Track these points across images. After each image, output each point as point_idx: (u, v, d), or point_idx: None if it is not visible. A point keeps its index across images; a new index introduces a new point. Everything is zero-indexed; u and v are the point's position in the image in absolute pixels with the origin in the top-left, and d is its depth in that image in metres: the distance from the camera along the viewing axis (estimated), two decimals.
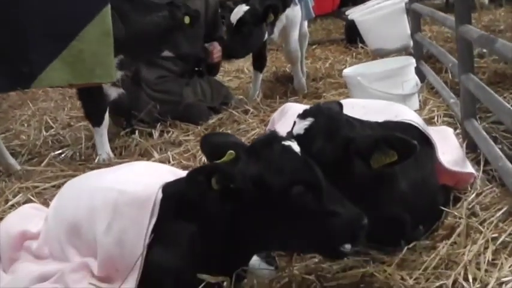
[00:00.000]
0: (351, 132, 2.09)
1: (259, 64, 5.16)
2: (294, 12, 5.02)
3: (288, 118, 2.86)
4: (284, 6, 4.88)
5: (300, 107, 2.99)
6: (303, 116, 2.10)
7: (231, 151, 1.85)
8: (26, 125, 5.35)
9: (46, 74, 3.63)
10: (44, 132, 4.79)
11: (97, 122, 3.90)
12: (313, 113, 2.08)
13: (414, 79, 4.15)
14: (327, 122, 2.06)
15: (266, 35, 4.73)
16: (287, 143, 1.85)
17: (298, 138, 1.97)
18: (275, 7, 4.58)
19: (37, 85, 3.78)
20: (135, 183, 2.19)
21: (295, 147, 1.85)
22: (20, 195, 3.38)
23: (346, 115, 2.20)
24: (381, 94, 3.92)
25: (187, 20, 4.02)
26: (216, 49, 4.73)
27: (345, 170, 2.07)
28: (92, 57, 3.67)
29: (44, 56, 3.60)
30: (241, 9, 4.52)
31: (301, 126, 2.06)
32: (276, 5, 4.61)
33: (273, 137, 1.89)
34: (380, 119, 2.53)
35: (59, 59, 3.62)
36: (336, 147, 2.03)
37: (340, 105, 2.27)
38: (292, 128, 2.10)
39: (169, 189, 2.07)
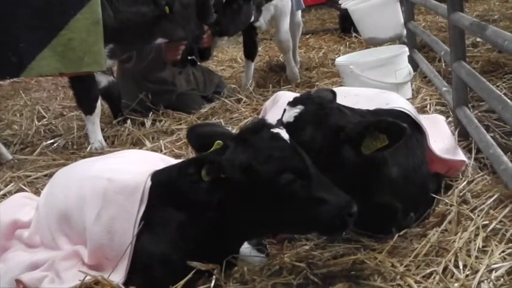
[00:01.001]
0: (341, 120, 2.08)
1: (250, 53, 5.16)
2: (283, 2, 5.02)
3: (280, 106, 2.84)
4: None
5: (292, 95, 2.99)
6: (293, 103, 2.09)
7: (219, 141, 1.85)
8: (18, 115, 5.33)
9: (36, 63, 3.60)
10: (36, 122, 4.77)
11: (89, 110, 3.90)
12: (303, 101, 2.08)
13: (407, 68, 4.14)
14: (317, 109, 2.05)
15: (253, 17, 4.72)
16: (276, 130, 1.84)
17: (288, 126, 1.97)
18: None
19: (27, 75, 3.77)
20: (124, 172, 2.19)
21: (284, 134, 1.85)
22: (12, 184, 3.36)
23: (336, 103, 2.19)
24: (374, 83, 3.91)
25: (167, 10, 4.00)
26: (206, 33, 4.67)
27: (335, 158, 2.07)
28: (82, 46, 3.65)
29: (34, 46, 3.58)
30: None
31: (291, 114, 2.05)
32: None
33: (261, 125, 1.88)
34: (371, 107, 2.52)
35: (49, 48, 3.60)
36: (325, 134, 2.03)
37: (334, 93, 2.26)
38: (282, 116, 2.09)
39: (158, 177, 2.07)
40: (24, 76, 3.84)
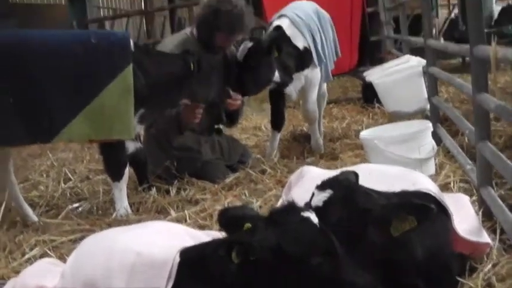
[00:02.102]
0: (369, 203, 2.12)
1: (277, 123, 5.21)
2: (313, 73, 5.12)
3: (305, 182, 2.90)
4: (303, 67, 4.98)
5: (317, 172, 3.04)
6: (321, 187, 2.13)
7: (248, 224, 1.88)
8: (44, 175, 5.42)
9: (67, 129, 3.70)
10: (63, 184, 4.85)
11: (117, 176, 3.94)
12: (331, 185, 2.12)
13: (431, 143, 4.18)
14: (345, 193, 2.09)
15: (277, 75, 4.78)
16: (306, 214, 1.88)
17: (317, 210, 2.00)
18: (278, 44, 4.70)
19: (57, 140, 3.85)
20: (153, 245, 2.21)
21: (314, 218, 1.88)
22: (37, 248, 3.40)
23: (363, 186, 2.23)
24: (398, 158, 3.95)
25: (193, 66, 4.09)
26: (235, 96, 4.72)
27: (363, 240, 2.09)
28: (112, 114, 3.75)
29: (66, 112, 3.68)
30: (246, 46, 4.63)
31: (319, 198, 2.09)
32: (279, 43, 4.73)
33: (292, 207, 1.91)
34: (397, 186, 2.54)
35: (80, 114, 3.70)
36: (354, 218, 2.06)
37: (356, 176, 2.30)
38: (311, 199, 2.13)
39: (188, 255, 2.09)
40: (54, 141, 3.91)
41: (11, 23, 10.43)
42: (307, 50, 5.02)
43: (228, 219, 2.04)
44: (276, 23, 5.05)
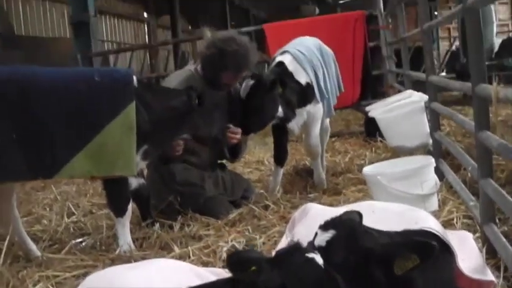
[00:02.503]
0: (372, 243, 2.13)
1: (280, 158, 5.22)
2: (316, 108, 5.15)
3: (309, 219, 2.91)
4: (305, 103, 5.02)
5: (321, 209, 3.05)
6: (324, 227, 2.14)
7: (254, 267, 1.89)
8: (48, 209, 5.44)
9: (69, 165, 3.70)
10: (66, 219, 4.85)
11: (120, 212, 3.93)
12: (334, 225, 2.13)
13: (433, 179, 4.19)
14: (348, 233, 2.11)
15: (280, 110, 4.81)
16: (310, 255, 1.89)
17: (320, 250, 2.02)
18: (282, 80, 4.72)
19: (59, 176, 3.85)
20: (157, 284, 2.21)
21: (319, 259, 1.89)
22: (40, 284, 3.38)
23: (366, 226, 2.24)
24: (400, 194, 3.97)
25: (196, 100, 4.12)
26: (234, 130, 4.69)
27: (367, 279, 2.10)
28: (114, 151, 3.76)
29: (68, 149, 3.69)
30: (248, 84, 4.65)
31: (323, 238, 2.10)
32: (283, 78, 4.75)
33: (296, 248, 1.92)
34: (401, 224, 2.55)
35: (83, 151, 3.71)
36: (357, 258, 2.07)
37: (360, 215, 2.31)
38: (314, 239, 2.14)
39: None
40: (56, 177, 3.91)
41: (17, 56, 10.55)
42: (309, 86, 5.06)
43: (235, 262, 2.04)
44: (278, 58, 5.11)
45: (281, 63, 5.04)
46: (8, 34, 12.47)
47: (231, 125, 4.58)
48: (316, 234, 2.15)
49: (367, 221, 2.38)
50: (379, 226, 2.40)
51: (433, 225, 2.68)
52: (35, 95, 3.66)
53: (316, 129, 5.21)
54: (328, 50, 5.63)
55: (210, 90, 4.48)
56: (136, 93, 3.85)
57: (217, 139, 4.52)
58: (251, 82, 4.64)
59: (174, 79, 4.79)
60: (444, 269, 2.55)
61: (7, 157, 3.55)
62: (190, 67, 4.99)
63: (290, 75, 4.97)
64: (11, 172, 3.60)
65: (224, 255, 3.53)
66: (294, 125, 5.05)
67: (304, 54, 5.12)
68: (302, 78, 5.02)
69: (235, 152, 4.92)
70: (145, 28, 21.76)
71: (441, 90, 6.81)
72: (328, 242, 2.09)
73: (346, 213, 2.29)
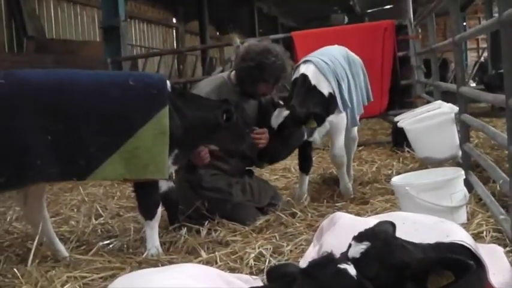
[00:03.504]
0: (406, 257, 2.11)
1: (304, 167, 5.23)
2: (338, 118, 5.10)
3: (337, 229, 2.90)
4: (327, 113, 4.98)
5: (350, 219, 3.03)
6: (358, 239, 2.13)
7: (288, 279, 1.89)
8: (75, 210, 5.50)
9: (102, 167, 3.74)
10: (94, 220, 4.90)
11: (149, 215, 3.96)
12: (368, 237, 2.12)
13: (463, 191, 4.14)
14: (382, 246, 2.09)
15: (305, 136, 4.82)
16: (343, 266, 1.88)
17: (354, 262, 2.00)
18: (319, 116, 4.73)
19: (92, 178, 3.89)
20: None
21: (351, 270, 1.88)
22: (68, 284, 3.40)
23: (400, 239, 2.23)
24: (429, 205, 3.92)
25: (223, 118, 4.14)
26: (262, 134, 4.67)
27: None
28: (147, 154, 3.79)
29: (102, 151, 3.73)
30: (281, 114, 4.64)
31: (357, 250, 2.09)
32: (320, 114, 4.76)
33: (329, 260, 1.92)
34: (431, 237, 2.54)
35: (116, 154, 3.75)
36: (391, 271, 2.06)
37: (393, 226, 2.30)
38: (347, 250, 2.13)
39: None
40: (89, 179, 3.97)
41: (49, 59, 10.69)
42: (331, 96, 4.99)
43: (273, 274, 2.04)
44: (301, 69, 5.02)
45: (305, 77, 4.95)
46: (39, 37, 12.64)
47: (256, 128, 4.59)
48: (350, 245, 2.14)
49: (397, 233, 2.37)
50: (409, 238, 2.39)
51: (464, 237, 2.65)
52: (70, 98, 3.71)
53: (340, 139, 5.17)
54: (356, 59, 5.60)
55: (241, 106, 4.48)
56: (169, 98, 3.89)
57: (244, 154, 4.54)
58: (285, 113, 4.63)
59: (206, 85, 4.81)
60: (475, 283, 2.52)
61: (42, 158, 3.59)
62: (224, 74, 5.00)
63: (313, 88, 4.91)
64: (45, 173, 3.64)
65: (251, 261, 3.53)
66: (316, 136, 5.02)
67: (327, 63, 5.06)
68: (324, 89, 4.96)
69: (263, 155, 4.89)
70: (174, 33, 21.91)
71: (471, 101, 6.76)
72: (362, 253, 2.08)
73: (380, 224, 2.28)
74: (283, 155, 4.93)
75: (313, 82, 4.92)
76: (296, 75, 5.02)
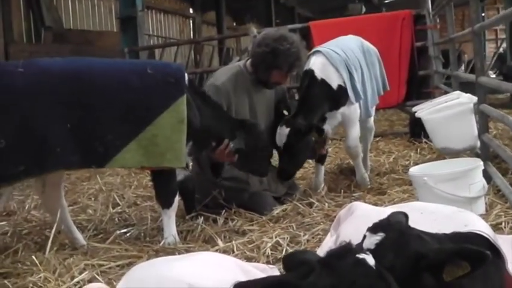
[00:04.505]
0: (422, 247, 2.09)
1: (320, 157, 5.21)
2: (351, 110, 5.07)
3: (354, 218, 2.89)
4: (337, 106, 4.96)
5: (367, 208, 3.02)
6: (373, 230, 2.11)
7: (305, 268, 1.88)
8: (93, 199, 5.54)
9: (121, 155, 3.77)
10: (111, 209, 4.93)
11: (167, 204, 3.98)
12: (383, 228, 2.11)
13: (481, 182, 4.11)
14: (398, 236, 2.08)
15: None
16: (361, 255, 1.87)
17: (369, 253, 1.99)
18: (319, 128, 4.74)
19: (111, 165, 3.92)
20: (204, 277, 2.22)
21: (370, 260, 1.87)
22: (86, 272, 3.42)
23: (415, 229, 2.21)
24: (447, 196, 3.90)
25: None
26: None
27: (416, 284, 2.07)
28: (165, 142, 3.81)
29: (121, 138, 3.76)
30: (283, 133, 4.64)
31: (371, 241, 2.08)
32: (320, 126, 4.76)
33: (347, 249, 1.90)
34: (449, 226, 2.52)
35: (134, 141, 3.77)
36: (407, 262, 2.04)
37: (406, 217, 2.29)
38: (362, 241, 2.12)
39: None
40: (108, 167, 4.00)
41: (67, 50, 10.74)
42: (341, 88, 4.95)
43: (290, 262, 2.04)
44: (310, 61, 4.97)
45: (310, 73, 4.90)
46: (57, 28, 12.69)
47: None
48: (364, 236, 2.13)
49: (415, 222, 2.35)
50: (427, 227, 2.37)
51: (483, 227, 2.63)
52: (89, 86, 3.73)
53: (354, 131, 5.14)
54: (371, 48, 5.56)
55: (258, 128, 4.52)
56: (188, 89, 3.92)
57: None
58: (286, 130, 4.63)
59: (223, 74, 4.81)
60: (493, 273, 2.50)
61: (61, 146, 3.62)
62: (240, 63, 5.00)
63: (320, 82, 4.88)
64: (64, 160, 3.66)
65: (268, 251, 3.54)
66: (328, 128, 5.01)
67: (338, 53, 5.01)
68: (334, 82, 4.92)
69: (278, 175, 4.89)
70: (191, 24, 21.89)
71: (490, 92, 6.69)
72: (377, 244, 2.06)
73: (393, 214, 2.26)
74: (295, 170, 4.95)
75: (320, 75, 4.88)
76: (306, 67, 4.99)
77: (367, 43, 5.58)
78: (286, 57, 4.59)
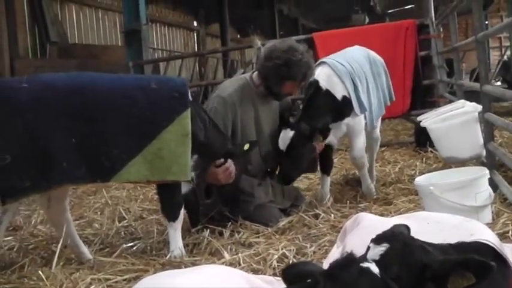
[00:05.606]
0: (426, 258, 2.09)
1: (325, 168, 5.20)
2: (355, 121, 5.06)
3: (360, 229, 2.88)
4: (342, 117, 4.96)
5: (373, 219, 3.02)
6: (377, 241, 2.11)
7: (309, 280, 1.87)
8: (99, 213, 5.54)
9: (126, 169, 3.78)
10: (117, 223, 4.93)
11: (172, 216, 3.98)
12: (387, 239, 2.10)
13: (487, 190, 4.09)
14: (402, 247, 2.08)
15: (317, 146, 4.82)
16: (365, 264, 1.86)
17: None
18: (324, 131, 4.73)
19: (116, 180, 3.94)
20: None
21: (374, 268, 1.87)
22: (92, 286, 3.42)
23: (419, 240, 2.21)
24: (453, 205, 3.89)
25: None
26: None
27: None
28: (170, 156, 3.82)
29: (126, 152, 3.77)
30: (287, 135, 4.65)
31: (376, 252, 2.07)
32: (324, 129, 4.76)
33: (350, 260, 1.90)
34: (456, 236, 2.51)
35: (140, 155, 3.78)
36: (412, 272, 2.04)
37: (408, 228, 2.28)
38: (366, 252, 2.12)
39: None
40: (113, 181, 4.01)
41: (72, 64, 10.80)
42: (346, 99, 4.93)
43: (291, 274, 2.03)
44: (316, 71, 4.94)
45: (315, 84, 4.88)
46: (62, 42, 12.76)
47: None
48: (368, 248, 2.12)
49: (421, 232, 2.35)
50: (433, 237, 2.36)
51: (489, 236, 2.62)
52: (94, 100, 3.75)
53: (358, 142, 5.12)
54: (378, 58, 5.57)
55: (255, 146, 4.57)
56: (192, 105, 3.95)
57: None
58: (290, 133, 4.65)
59: (229, 86, 4.82)
60: (500, 283, 2.49)
61: (67, 161, 3.63)
62: (246, 75, 5.00)
63: (324, 93, 4.86)
64: (70, 175, 3.67)
65: (275, 263, 3.53)
66: (332, 139, 5.01)
67: (343, 65, 5.01)
68: (338, 93, 4.91)
69: (279, 178, 4.92)
70: (195, 36, 21.99)
71: (495, 100, 6.68)
72: (382, 255, 2.06)
73: (396, 226, 2.26)
74: (296, 175, 4.96)
75: (325, 86, 4.87)
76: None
77: (373, 53, 5.59)
78: (299, 68, 4.61)
